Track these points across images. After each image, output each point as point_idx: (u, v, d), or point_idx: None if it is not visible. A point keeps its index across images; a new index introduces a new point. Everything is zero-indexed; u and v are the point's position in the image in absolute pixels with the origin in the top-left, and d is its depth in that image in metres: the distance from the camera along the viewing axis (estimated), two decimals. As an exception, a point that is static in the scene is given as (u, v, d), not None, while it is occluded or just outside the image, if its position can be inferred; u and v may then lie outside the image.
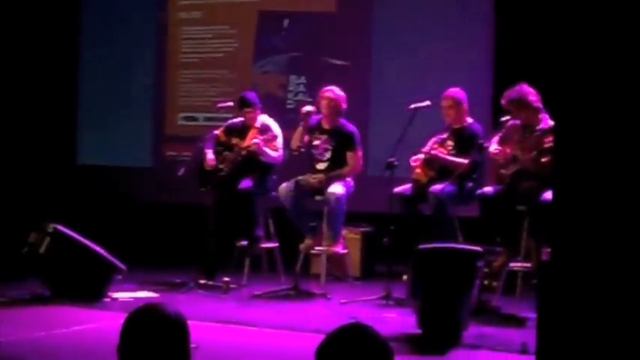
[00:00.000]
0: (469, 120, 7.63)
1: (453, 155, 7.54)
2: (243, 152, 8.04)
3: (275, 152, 8.05)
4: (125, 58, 10.35)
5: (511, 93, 7.07)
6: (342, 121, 8.01)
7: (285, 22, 9.70)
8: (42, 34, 10.35)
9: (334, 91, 7.94)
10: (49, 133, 10.42)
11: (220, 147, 8.25)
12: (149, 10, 10.34)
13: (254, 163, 8.05)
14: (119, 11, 10.40)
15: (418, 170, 7.56)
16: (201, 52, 10.10)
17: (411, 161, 7.56)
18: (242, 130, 8.19)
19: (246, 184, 7.96)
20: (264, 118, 8.20)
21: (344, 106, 7.95)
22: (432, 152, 7.52)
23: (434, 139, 7.65)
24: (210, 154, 8.19)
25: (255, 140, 7.94)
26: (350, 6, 9.40)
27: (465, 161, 7.44)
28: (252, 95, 8.27)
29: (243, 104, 8.18)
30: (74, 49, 10.57)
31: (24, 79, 10.29)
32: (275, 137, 8.01)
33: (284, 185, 7.88)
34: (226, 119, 8.51)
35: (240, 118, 8.27)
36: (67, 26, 10.51)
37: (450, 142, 7.59)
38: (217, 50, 10.01)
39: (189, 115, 10.10)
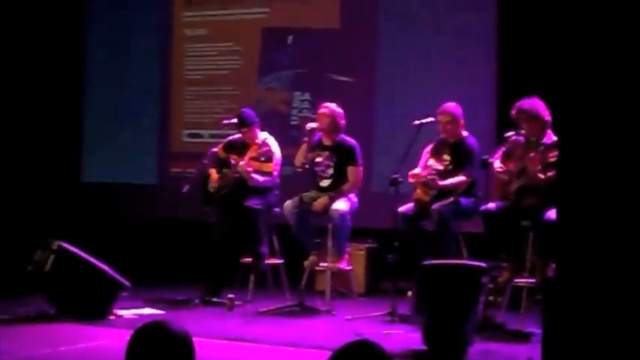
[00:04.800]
0: (464, 134, 7.64)
1: (449, 170, 7.54)
2: (236, 173, 8.04)
3: (263, 177, 7.99)
4: (130, 75, 10.38)
5: (523, 103, 7.08)
6: (342, 136, 8.03)
7: (290, 39, 9.72)
8: (47, 50, 10.39)
9: (330, 107, 7.97)
10: (54, 150, 10.44)
11: (220, 164, 8.27)
12: (154, 27, 10.37)
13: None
14: (124, 29, 10.43)
15: (419, 190, 7.56)
16: (205, 69, 10.12)
17: (409, 176, 7.54)
18: (242, 147, 8.20)
19: (250, 201, 7.96)
20: (265, 136, 8.20)
21: (342, 121, 7.97)
22: (430, 179, 7.49)
23: (427, 154, 7.66)
24: (214, 174, 8.21)
25: (242, 163, 7.94)
26: (354, 22, 9.42)
27: (462, 179, 7.45)
28: (249, 113, 8.23)
29: (240, 124, 8.18)
30: (79, 65, 10.61)
31: (29, 96, 10.31)
32: (270, 158, 7.98)
33: (288, 203, 7.89)
34: (231, 136, 8.52)
35: (240, 135, 8.29)
36: (72, 42, 10.55)
37: (446, 157, 7.60)
38: (222, 67, 10.03)
39: (194, 132, 10.11)
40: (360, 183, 8.09)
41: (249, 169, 7.92)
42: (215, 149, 8.40)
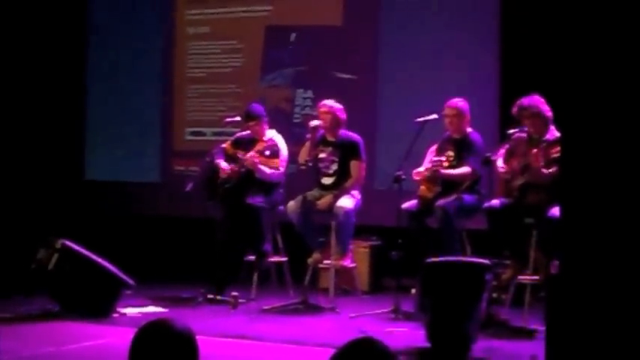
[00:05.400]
0: (469, 129, 7.64)
1: (454, 165, 7.54)
2: (243, 168, 8.05)
3: (271, 170, 8.02)
4: (133, 73, 10.38)
5: (523, 101, 7.10)
6: (346, 131, 8.03)
7: (292, 37, 9.72)
8: (50, 49, 10.40)
9: (328, 104, 7.98)
10: (57, 148, 10.45)
11: (228, 160, 8.27)
12: (156, 25, 10.37)
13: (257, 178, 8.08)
14: (126, 27, 10.43)
15: (423, 187, 7.55)
16: (208, 67, 10.12)
17: (413, 174, 7.55)
18: (249, 143, 8.21)
19: (254, 198, 7.96)
20: (272, 134, 8.21)
21: (343, 116, 7.97)
22: (434, 169, 7.49)
23: (432, 153, 7.66)
24: (223, 163, 8.21)
25: (251, 154, 7.95)
26: (356, 20, 9.41)
27: (466, 169, 7.44)
28: (257, 107, 8.30)
29: (248, 117, 8.21)
30: (82, 64, 10.62)
31: (32, 95, 10.32)
32: (277, 154, 7.98)
33: (292, 203, 7.88)
34: (234, 134, 8.52)
35: (248, 131, 8.30)
36: (75, 41, 10.56)
37: (450, 153, 7.59)
38: (225, 65, 10.03)
39: (197, 130, 10.11)
40: (363, 179, 8.09)
41: (256, 160, 7.93)
42: (223, 145, 8.41)
